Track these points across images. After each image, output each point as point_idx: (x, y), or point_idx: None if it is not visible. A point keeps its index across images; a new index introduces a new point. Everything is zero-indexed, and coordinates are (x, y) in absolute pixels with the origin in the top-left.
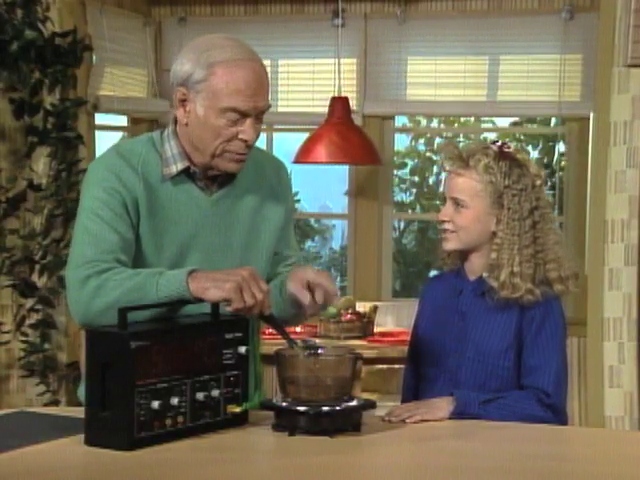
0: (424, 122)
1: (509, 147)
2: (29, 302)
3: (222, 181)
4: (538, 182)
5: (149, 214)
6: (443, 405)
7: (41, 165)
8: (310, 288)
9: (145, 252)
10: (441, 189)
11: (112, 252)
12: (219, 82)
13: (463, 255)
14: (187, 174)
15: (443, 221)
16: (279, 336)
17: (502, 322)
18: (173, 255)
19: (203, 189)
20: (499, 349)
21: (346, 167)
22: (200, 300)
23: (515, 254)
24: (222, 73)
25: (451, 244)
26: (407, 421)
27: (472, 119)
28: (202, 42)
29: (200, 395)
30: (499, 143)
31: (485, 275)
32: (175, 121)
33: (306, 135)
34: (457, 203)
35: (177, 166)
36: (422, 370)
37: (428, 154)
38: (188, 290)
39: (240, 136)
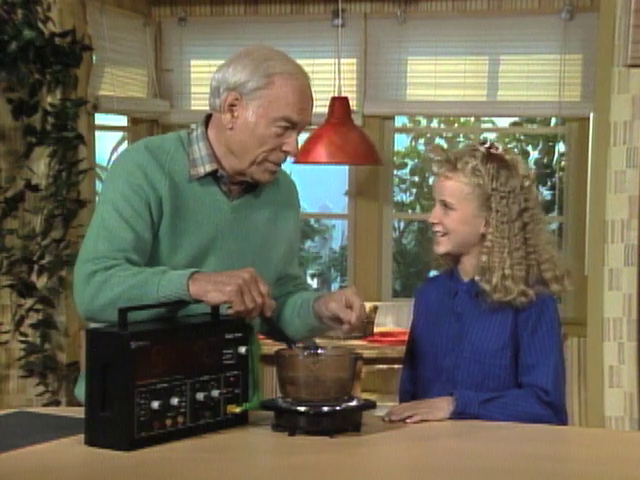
0: (424, 122)
1: (497, 148)
2: (28, 302)
3: (246, 188)
4: (527, 183)
5: (172, 213)
6: (443, 405)
7: (41, 165)
8: (350, 307)
9: (161, 252)
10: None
11: (124, 250)
12: (278, 92)
13: (455, 257)
14: (213, 177)
15: (433, 223)
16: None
17: (498, 322)
18: (190, 257)
19: (226, 193)
20: (495, 348)
21: (346, 167)
22: (201, 302)
23: (506, 257)
24: (281, 84)
25: (442, 247)
26: (407, 421)
27: (472, 119)
28: (257, 52)
29: (200, 395)
30: (487, 144)
31: (477, 278)
32: (206, 123)
33: (306, 135)
34: (445, 205)
35: (205, 168)
36: (419, 371)
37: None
38: (188, 292)
39: (284, 148)
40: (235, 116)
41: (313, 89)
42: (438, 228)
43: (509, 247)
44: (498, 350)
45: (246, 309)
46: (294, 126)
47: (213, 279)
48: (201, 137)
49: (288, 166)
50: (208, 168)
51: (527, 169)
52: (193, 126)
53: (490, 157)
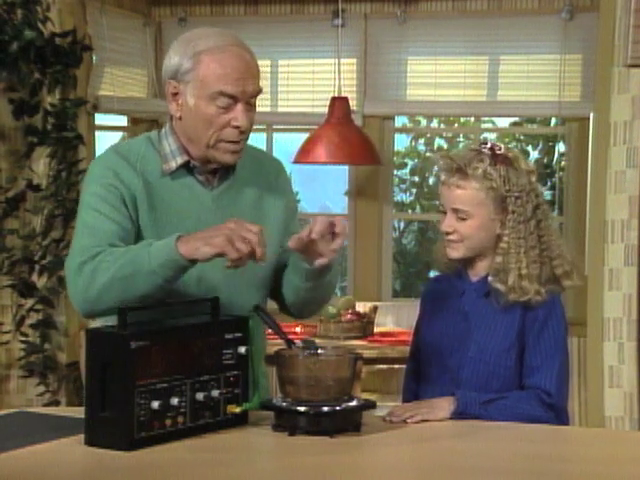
0: (424, 122)
1: (500, 148)
2: (29, 302)
3: (222, 174)
4: (533, 178)
5: (150, 209)
6: (444, 405)
7: (41, 165)
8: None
9: None
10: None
11: (108, 239)
12: (205, 69)
13: (467, 259)
14: (187, 169)
15: (447, 232)
16: (277, 336)
17: (505, 322)
18: None
19: (204, 184)
20: (501, 349)
21: (346, 167)
22: (193, 262)
23: (522, 257)
24: (208, 60)
25: (457, 253)
26: (408, 421)
27: (472, 119)
28: (188, 34)
29: (200, 395)
30: (489, 145)
31: (490, 279)
32: (171, 117)
33: (306, 135)
34: (460, 214)
35: (176, 161)
36: (423, 370)
37: (428, 154)
38: (179, 253)
39: (233, 123)
40: (180, 104)
41: (313, 89)
42: (453, 237)
43: (525, 246)
44: (504, 350)
45: (241, 255)
46: (235, 99)
47: (200, 236)
48: (169, 132)
49: (288, 166)
50: (179, 161)
51: (528, 163)
52: None
53: (496, 158)
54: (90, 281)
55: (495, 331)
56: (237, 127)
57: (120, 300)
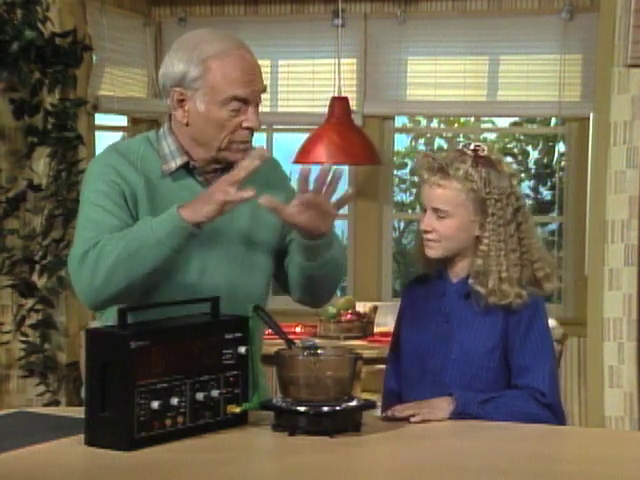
0: (424, 122)
1: (483, 150)
2: (29, 302)
3: (221, 174)
4: (514, 181)
5: (150, 207)
6: (444, 405)
7: (41, 165)
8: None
9: None
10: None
11: (111, 232)
12: (216, 75)
13: (447, 259)
14: (186, 170)
15: (426, 231)
16: (277, 336)
17: (488, 323)
18: None
19: (203, 184)
20: (485, 350)
21: (346, 167)
22: (198, 226)
23: (502, 260)
24: (217, 66)
25: (436, 252)
26: (411, 420)
27: (472, 119)
28: (188, 40)
29: (200, 395)
30: (472, 147)
31: (470, 282)
32: (170, 118)
33: (306, 135)
34: (439, 213)
35: (176, 162)
36: (404, 371)
37: None
38: (183, 219)
39: (244, 124)
40: (186, 110)
41: (313, 89)
42: (432, 236)
43: (505, 249)
44: (488, 352)
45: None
46: (247, 101)
47: (200, 199)
48: (168, 133)
49: (288, 166)
50: (179, 161)
51: (510, 166)
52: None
53: (479, 159)
54: (95, 267)
55: (478, 332)
56: (249, 128)
57: (128, 280)
